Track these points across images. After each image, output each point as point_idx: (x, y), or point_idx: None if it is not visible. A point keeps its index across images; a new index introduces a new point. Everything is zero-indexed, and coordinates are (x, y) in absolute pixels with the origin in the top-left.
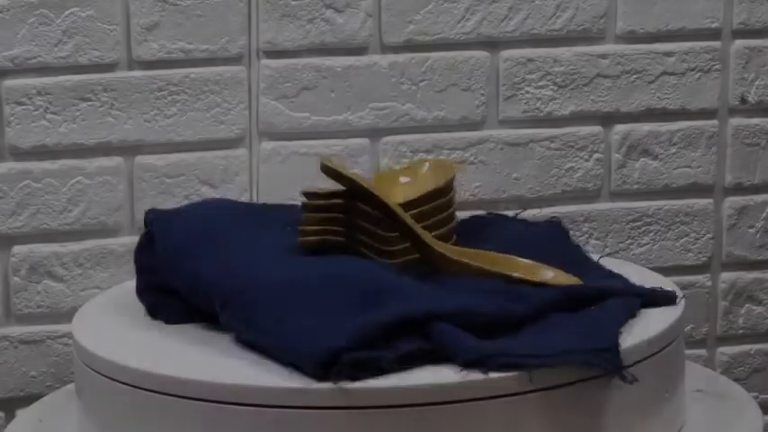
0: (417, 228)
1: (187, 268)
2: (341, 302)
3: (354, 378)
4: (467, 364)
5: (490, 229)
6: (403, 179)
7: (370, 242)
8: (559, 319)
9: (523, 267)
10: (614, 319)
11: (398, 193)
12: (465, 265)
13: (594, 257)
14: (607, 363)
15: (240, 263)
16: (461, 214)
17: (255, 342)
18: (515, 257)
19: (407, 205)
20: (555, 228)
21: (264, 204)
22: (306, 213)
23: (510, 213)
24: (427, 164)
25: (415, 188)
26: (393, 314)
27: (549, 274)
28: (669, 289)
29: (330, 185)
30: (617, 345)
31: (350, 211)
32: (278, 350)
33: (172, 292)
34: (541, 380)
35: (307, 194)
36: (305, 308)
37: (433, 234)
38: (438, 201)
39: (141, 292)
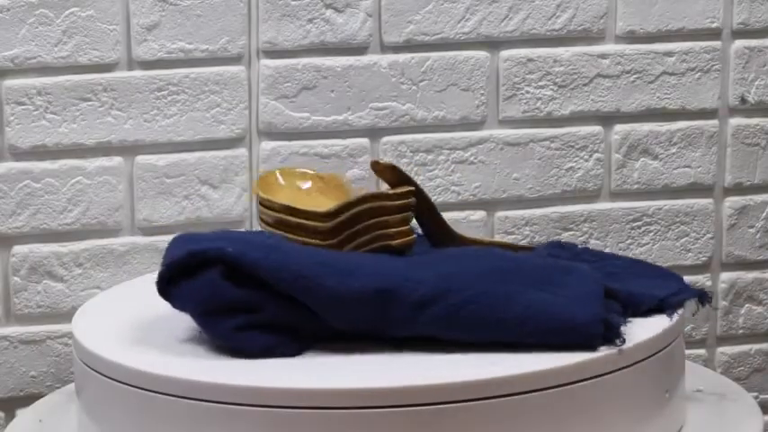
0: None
1: (331, 288)
2: (542, 281)
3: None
4: (650, 312)
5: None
6: (303, 184)
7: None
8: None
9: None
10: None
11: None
12: (481, 242)
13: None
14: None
15: (400, 269)
16: (458, 214)
17: (509, 328)
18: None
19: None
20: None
21: (233, 231)
22: (402, 214)
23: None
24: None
25: (328, 195)
26: (600, 282)
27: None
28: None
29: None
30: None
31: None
32: (553, 330)
33: (282, 323)
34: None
35: (401, 194)
36: (532, 290)
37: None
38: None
39: (245, 333)
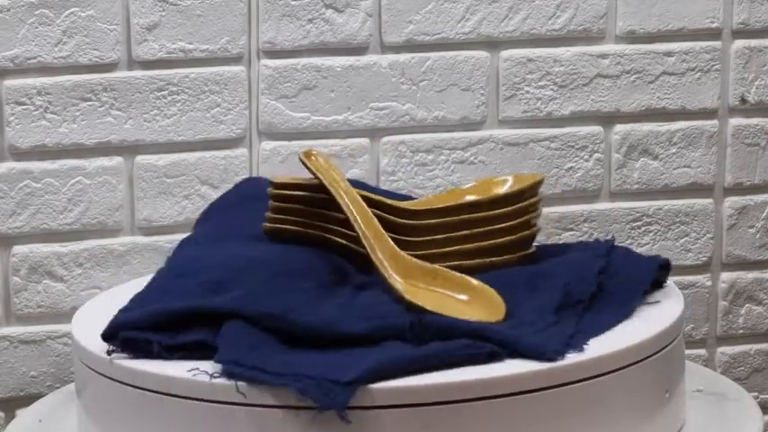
0: (370, 231)
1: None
2: (181, 287)
3: (129, 356)
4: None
5: (563, 251)
6: (469, 197)
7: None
8: (390, 346)
9: (451, 281)
10: (404, 355)
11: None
12: (382, 275)
13: (636, 301)
14: (325, 396)
15: (201, 239)
16: None
17: None
18: (457, 274)
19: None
20: (642, 267)
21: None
22: (270, 201)
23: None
24: (509, 181)
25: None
26: (184, 305)
27: (461, 295)
28: (559, 346)
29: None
30: (355, 381)
31: (327, 204)
32: None
33: None
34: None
35: (271, 183)
36: (157, 289)
37: (504, 240)
38: (483, 212)
39: None
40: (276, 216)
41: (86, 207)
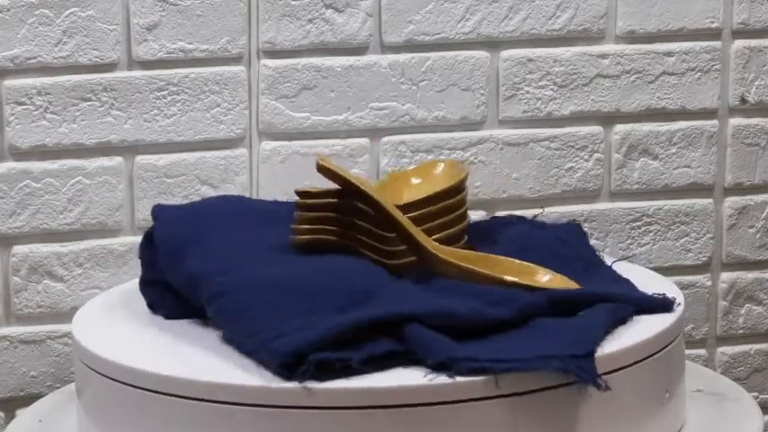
0: (413, 229)
1: (180, 265)
2: (320, 303)
3: (321, 378)
4: (436, 367)
5: (505, 231)
6: (415, 180)
7: (371, 242)
8: (544, 323)
9: (518, 269)
10: (597, 325)
11: (409, 193)
12: (457, 267)
13: (608, 261)
14: (580, 370)
15: (227, 262)
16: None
17: (232, 342)
18: (511, 259)
19: (413, 205)
20: (572, 230)
21: (276, 201)
22: (298, 212)
23: (529, 215)
24: (441, 165)
25: (426, 188)
26: (365, 316)
27: (544, 278)
28: (668, 295)
29: (327, 184)
30: (592, 352)
31: (348, 210)
32: (250, 352)
33: (170, 288)
34: (513, 384)
35: (299, 193)
36: (281, 308)
37: (442, 235)
38: (446, 201)
39: (143, 286)
40: (310, 227)
41: (86, 207)
